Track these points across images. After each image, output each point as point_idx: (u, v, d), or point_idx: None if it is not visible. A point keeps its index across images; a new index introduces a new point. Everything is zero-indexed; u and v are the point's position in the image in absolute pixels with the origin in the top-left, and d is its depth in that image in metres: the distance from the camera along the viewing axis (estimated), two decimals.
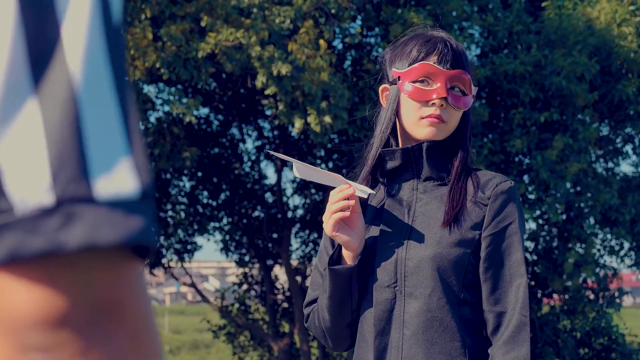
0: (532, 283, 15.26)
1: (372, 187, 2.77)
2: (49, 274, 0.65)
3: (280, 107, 10.99)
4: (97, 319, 0.66)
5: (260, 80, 10.70)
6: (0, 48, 0.66)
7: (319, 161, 14.66)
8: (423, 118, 2.66)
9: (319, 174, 2.67)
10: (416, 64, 2.68)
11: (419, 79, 2.67)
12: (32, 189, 0.65)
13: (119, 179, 0.66)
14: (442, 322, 2.58)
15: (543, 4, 12.95)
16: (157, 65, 10.76)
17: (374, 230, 2.72)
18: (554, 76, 12.24)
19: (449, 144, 2.70)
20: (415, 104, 2.67)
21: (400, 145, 2.74)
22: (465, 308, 2.60)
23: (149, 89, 12.84)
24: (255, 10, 10.76)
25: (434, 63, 2.67)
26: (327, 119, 10.56)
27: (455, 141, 2.71)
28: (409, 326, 2.60)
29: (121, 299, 0.67)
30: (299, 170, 2.67)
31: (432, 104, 2.65)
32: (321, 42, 10.70)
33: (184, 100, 11.43)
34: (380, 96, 2.82)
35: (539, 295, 14.99)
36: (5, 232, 0.64)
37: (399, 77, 2.71)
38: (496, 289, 2.59)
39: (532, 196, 13.10)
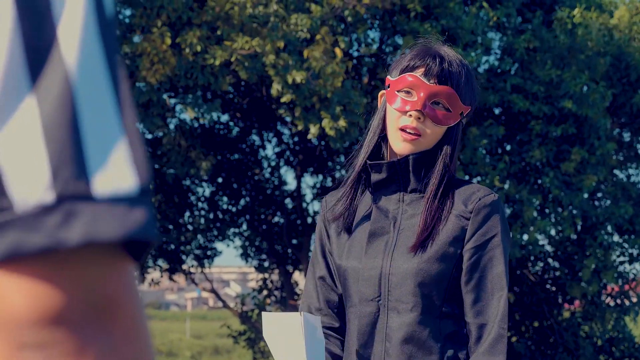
0: (553, 289, 15.19)
1: (357, 196, 2.79)
2: (45, 272, 0.66)
3: (297, 112, 11.00)
4: (93, 316, 0.67)
5: (276, 88, 10.72)
6: None
7: (338, 167, 14.66)
8: (400, 129, 2.67)
9: (280, 320, 2.58)
10: (402, 75, 2.71)
11: (404, 89, 2.69)
12: (32, 187, 0.65)
13: (117, 175, 0.67)
14: (421, 337, 2.60)
15: (554, 17, 12.83)
16: (176, 71, 10.79)
17: (361, 242, 2.73)
18: (566, 100, 12.17)
19: (433, 154, 2.71)
20: (396, 113, 2.69)
21: (389, 152, 2.75)
22: (447, 321, 2.63)
23: (167, 96, 12.85)
24: (272, 19, 10.77)
25: (420, 75, 2.68)
26: (342, 122, 10.56)
27: (438, 153, 2.71)
28: (390, 340, 2.63)
29: (116, 297, 0.68)
30: (265, 324, 2.59)
31: (409, 115, 2.66)
32: (337, 50, 10.70)
33: (203, 106, 11.46)
34: (378, 100, 2.84)
35: (560, 300, 14.92)
36: (6, 230, 0.65)
37: (388, 85, 2.75)
38: (477, 301, 2.60)
39: (548, 210, 13.07)
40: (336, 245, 2.79)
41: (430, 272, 2.59)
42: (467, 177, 11.89)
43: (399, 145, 2.68)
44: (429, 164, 2.70)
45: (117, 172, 0.67)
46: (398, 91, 2.70)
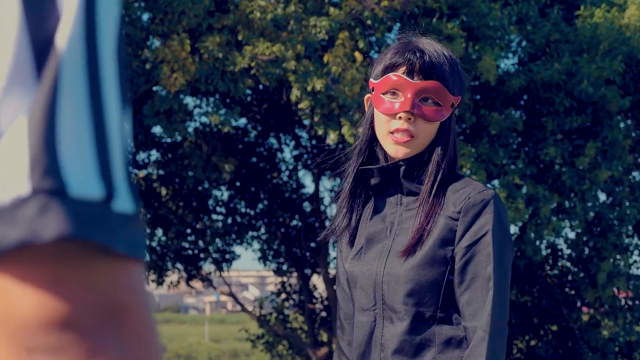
0: (572, 292, 15.14)
1: (363, 205, 2.73)
2: (53, 275, 0.66)
3: (316, 118, 11.01)
4: (103, 321, 0.67)
5: (295, 94, 10.73)
6: (5, 42, 0.67)
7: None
8: (391, 132, 2.57)
9: None
10: (385, 76, 2.60)
11: (389, 91, 2.58)
12: (13, 181, 0.65)
13: (85, 178, 0.67)
14: (413, 346, 2.53)
15: (576, 13, 12.89)
16: (196, 77, 10.81)
17: (360, 248, 2.67)
18: (582, 83, 12.19)
19: (427, 154, 2.60)
20: (384, 117, 2.59)
21: (384, 155, 2.65)
22: (444, 327, 2.54)
23: (188, 101, 12.90)
24: (292, 22, 10.78)
25: (402, 74, 2.57)
26: (361, 129, 10.56)
27: (431, 153, 2.60)
28: (385, 349, 2.56)
29: (125, 302, 0.68)
30: None
31: (399, 117, 2.56)
32: (356, 54, 10.70)
33: (222, 111, 11.48)
34: (365, 106, 2.75)
35: (578, 304, 14.88)
36: None
37: (372, 89, 2.64)
38: (469, 303, 2.50)
39: (569, 203, 13.03)
40: (345, 251, 2.75)
41: (420, 279, 2.51)
42: (486, 177, 11.85)
43: (392, 149, 2.58)
44: (423, 163, 2.60)
45: (85, 174, 0.67)
46: (383, 94, 2.60)
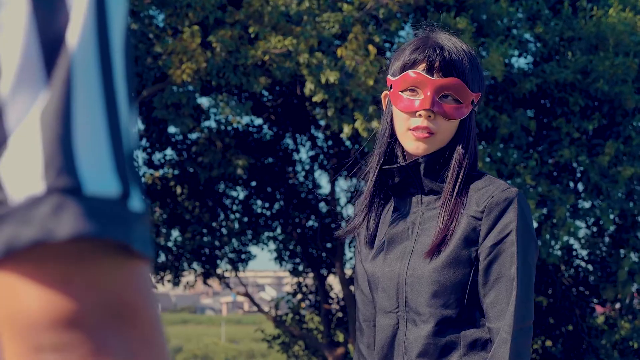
0: (587, 292, 15.09)
1: (384, 205, 2.68)
2: (61, 274, 0.66)
3: (330, 113, 11.01)
4: (110, 320, 0.67)
5: (309, 87, 10.73)
6: (14, 41, 0.67)
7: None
8: (410, 129, 2.53)
9: None
10: (403, 73, 2.56)
11: (408, 88, 2.55)
12: (26, 180, 0.65)
13: (102, 176, 0.67)
14: (438, 349, 2.50)
15: (591, 14, 12.84)
16: (207, 70, 10.81)
17: (381, 249, 2.63)
18: (597, 82, 12.15)
19: (448, 151, 2.56)
20: (403, 115, 2.55)
21: (404, 154, 2.61)
22: (469, 329, 2.50)
23: (202, 101, 12.93)
24: (305, 17, 10.79)
25: (422, 71, 2.53)
26: (375, 123, 10.55)
27: (452, 150, 2.56)
28: (409, 352, 2.53)
29: (132, 301, 0.68)
30: None
31: (419, 115, 2.52)
32: (370, 47, 10.68)
33: (233, 103, 11.49)
34: (383, 102, 2.71)
35: (593, 304, 14.83)
36: (2, 224, 0.65)
37: (391, 86, 2.61)
38: (494, 304, 2.46)
39: (586, 204, 12.97)
40: (364, 252, 2.71)
41: (444, 280, 2.48)
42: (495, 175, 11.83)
43: (412, 145, 2.54)
44: (443, 161, 2.56)
45: (102, 172, 0.67)
46: (402, 91, 2.55)
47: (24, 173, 0.65)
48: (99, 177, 0.67)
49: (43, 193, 0.65)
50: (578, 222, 12.90)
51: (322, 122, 13.99)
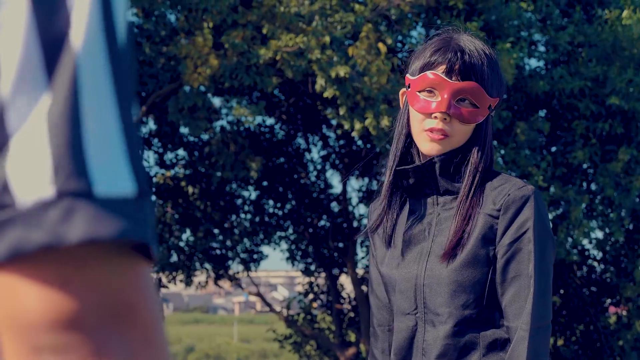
0: (600, 292, 15.06)
1: (400, 206, 2.67)
2: (61, 274, 0.65)
3: (342, 111, 11.01)
4: (110, 321, 0.66)
5: (320, 83, 10.73)
6: (13, 42, 0.66)
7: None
8: (425, 130, 2.53)
9: None
10: (422, 73, 2.54)
11: (426, 89, 2.54)
12: (34, 183, 0.65)
13: (116, 175, 0.66)
14: (457, 348, 2.48)
15: (605, 17, 12.78)
16: (220, 72, 10.84)
17: (398, 251, 2.62)
18: (613, 95, 12.09)
19: (464, 152, 2.55)
20: (419, 115, 2.54)
21: (419, 154, 2.61)
22: (489, 329, 2.49)
23: (215, 101, 12.95)
24: (317, 17, 10.80)
25: (441, 73, 2.52)
26: (385, 121, 10.54)
27: (468, 152, 2.56)
28: (427, 354, 2.51)
29: (133, 302, 0.67)
30: None
31: (434, 116, 2.51)
32: (380, 45, 10.67)
33: (245, 102, 11.52)
34: (400, 100, 2.70)
35: (607, 304, 14.79)
36: (9, 227, 0.65)
37: (409, 85, 2.59)
38: (512, 303, 2.46)
39: (599, 207, 12.95)
40: (380, 254, 2.69)
41: (463, 280, 2.47)
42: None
43: (427, 146, 2.53)
44: (459, 161, 2.55)
45: (117, 172, 0.66)
46: (420, 91, 2.55)
47: (33, 177, 0.65)
48: (113, 177, 0.66)
49: (53, 197, 0.65)
50: (592, 223, 12.87)
51: (334, 122, 14.00)
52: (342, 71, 10.39)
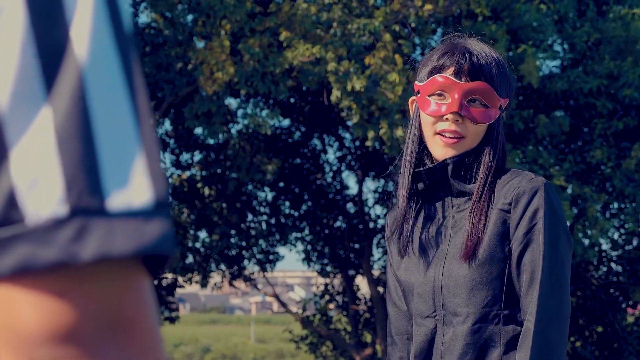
0: (617, 293, 15.00)
1: (416, 213, 2.66)
2: (59, 287, 0.64)
3: (355, 120, 11.01)
4: (107, 333, 0.65)
5: (335, 95, 10.74)
6: (9, 54, 0.65)
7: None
8: (437, 134, 2.53)
9: None
10: (431, 78, 2.55)
11: (436, 93, 2.54)
12: (45, 200, 0.64)
13: (133, 188, 0.65)
14: (477, 346, 2.48)
15: (621, 13, 12.76)
16: (236, 79, 10.85)
17: (415, 255, 2.62)
18: (626, 88, 12.07)
19: (476, 154, 2.55)
20: (431, 118, 2.54)
21: (432, 160, 2.61)
22: (509, 325, 2.48)
23: (230, 102, 12.95)
24: (335, 24, 10.79)
25: (450, 75, 2.52)
26: (400, 131, 10.54)
27: (480, 153, 2.55)
28: (447, 354, 2.51)
29: (131, 314, 0.67)
30: None
31: (446, 118, 2.52)
32: (397, 57, 10.66)
33: (263, 112, 11.54)
34: (410, 108, 2.71)
35: (624, 305, 14.73)
36: (17, 243, 0.63)
37: (418, 91, 2.60)
38: (525, 296, 2.45)
39: (616, 204, 12.91)
40: (396, 261, 2.69)
41: (480, 278, 2.46)
42: None
43: (440, 150, 2.53)
44: (471, 163, 2.55)
45: (133, 185, 0.65)
46: (430, 95, 2.55)
47: (43, 193, 0.64)
48: (129, 190, 0.65)
49: (66, 215, 0.63)
50: (610, 222, 12.83)
51: (350, 123, 14.01)
52: (357, 85, 10.39)
